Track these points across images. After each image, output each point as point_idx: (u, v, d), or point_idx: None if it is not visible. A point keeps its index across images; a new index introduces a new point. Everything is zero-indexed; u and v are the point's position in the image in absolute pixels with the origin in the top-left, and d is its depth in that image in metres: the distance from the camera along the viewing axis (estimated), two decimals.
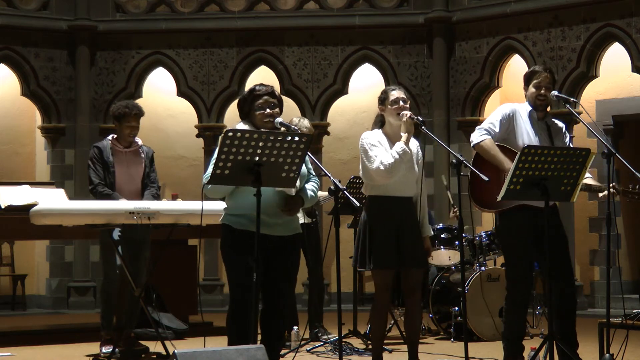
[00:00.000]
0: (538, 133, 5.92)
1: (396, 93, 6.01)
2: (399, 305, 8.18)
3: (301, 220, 7.47)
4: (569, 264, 5.92)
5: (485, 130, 5.89)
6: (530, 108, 5.96)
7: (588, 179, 5.84)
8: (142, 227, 6.56)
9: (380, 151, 5.91)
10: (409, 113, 5.91)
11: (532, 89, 5.95)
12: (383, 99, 6.05)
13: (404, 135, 5.91)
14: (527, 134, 5.90)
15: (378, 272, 5.98)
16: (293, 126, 5.31)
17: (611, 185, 5.74)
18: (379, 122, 6.11)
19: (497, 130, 5.88)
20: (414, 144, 6.06)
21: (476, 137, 5.89)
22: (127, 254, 7.07)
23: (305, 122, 7.96)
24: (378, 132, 6.05)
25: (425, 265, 6.21)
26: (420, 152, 6.12)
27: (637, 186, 5.91)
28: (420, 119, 5.93)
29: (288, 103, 12.45)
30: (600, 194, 5.85)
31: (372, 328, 6.27)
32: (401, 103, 5.97)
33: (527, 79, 6.00)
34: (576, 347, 5.85)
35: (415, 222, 6.04)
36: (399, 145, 5.88)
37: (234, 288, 5.13)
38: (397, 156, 5.85)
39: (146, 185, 7.28)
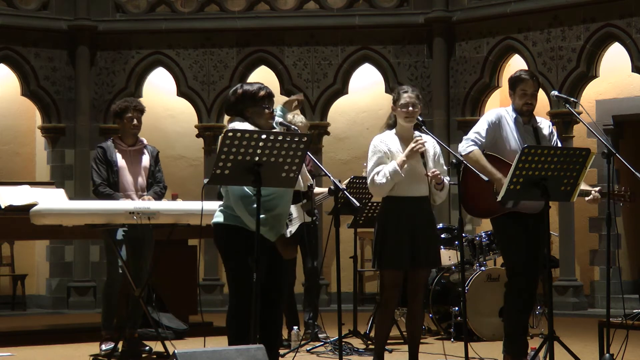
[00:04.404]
0: (525, 138, 5.97)
1: (407, 97, 5.91)
2: (399, 305, 8.17)
3: (301, 220, 7.49)
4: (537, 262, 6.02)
5: (472, 140, 5.94)
6: (515, 114, 6.02)
7: None
8: (143, 226, 6.56)
9: (379, 164, 5.86)
10: (423, 146, 5.84)
11: (518, 96, 6.00)
12: (395, 100, 5.98)
13: (401, 156, 5.84)
14: (514, 140, 5.96)
15: (389, 272, 5.96)
16: (293, 126, 5.32)
17: (596, 190, 5.89)
18: (392, 124, 6.03)
19: (483, 140, 5.95)
20: (430, 142, 5.99)
21: (463, 147, 5.95)
22: (130, 253, 7.07)
23: (300, 118, 7.98)
24: (390, 134, 5.99)
25: (436, 264, 6.18)
26: (437, 149, 6.02)
27: (624, 188, 6.00)
28: (425, 149, 5.87)
29: None
30: (587, 198, 5.93)
31: (377, 328, 6.24)
32: (410, 108, 5.90)
33: (512, 84, 6.04)
34: None
35: (430, 222, 6.01)
36: (392, 166, 5.82)
37: (239, 288, 5.10)
38: (385, 179, 5.80)
39: (151, 184, 7.28)
